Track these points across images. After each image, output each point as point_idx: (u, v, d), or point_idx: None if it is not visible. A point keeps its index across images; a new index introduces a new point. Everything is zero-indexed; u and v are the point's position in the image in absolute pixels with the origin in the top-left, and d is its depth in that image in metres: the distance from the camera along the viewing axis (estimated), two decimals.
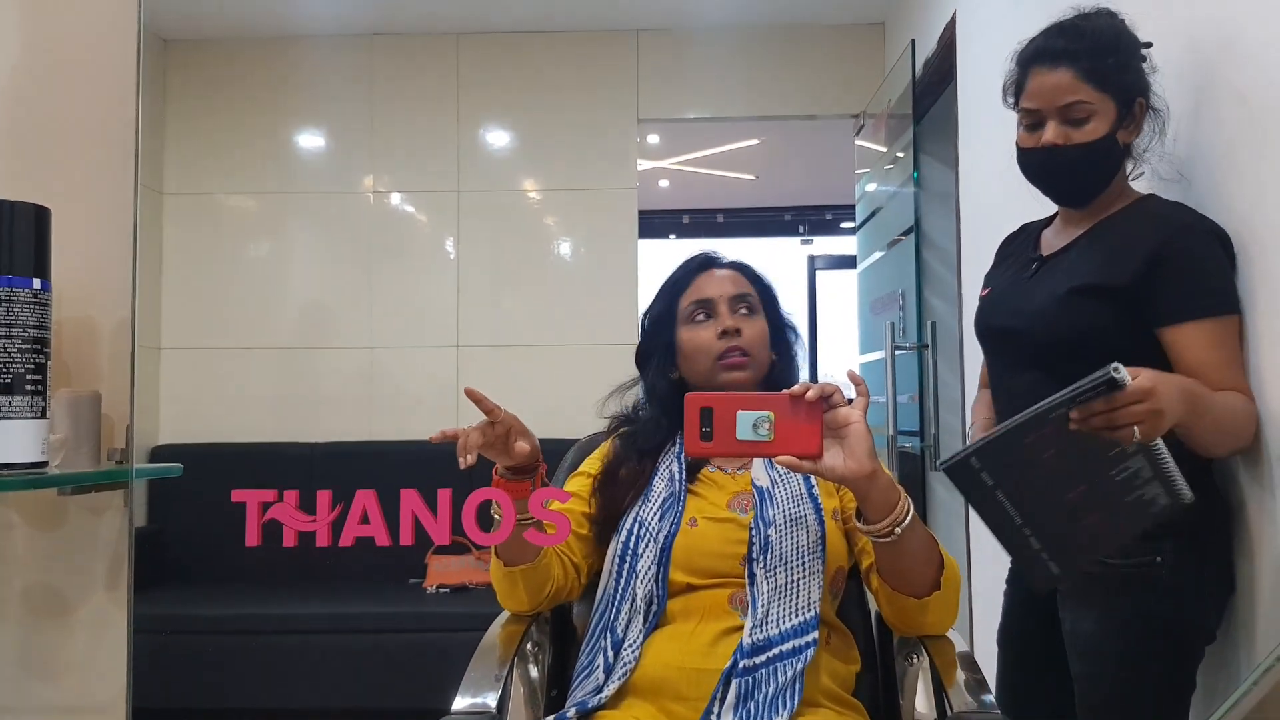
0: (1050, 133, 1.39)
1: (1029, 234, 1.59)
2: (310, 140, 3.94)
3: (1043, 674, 1.51)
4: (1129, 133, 1.40)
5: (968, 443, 1.49)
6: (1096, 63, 1.36)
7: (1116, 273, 1.35)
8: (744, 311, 1.45)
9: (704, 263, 1.50)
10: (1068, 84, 1.37)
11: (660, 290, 1.52)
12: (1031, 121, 1.41)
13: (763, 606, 1.27)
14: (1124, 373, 1.07)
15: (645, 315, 1.54)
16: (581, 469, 1.49)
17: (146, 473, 1.29)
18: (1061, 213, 1.52)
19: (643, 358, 1.53)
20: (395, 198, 3.91)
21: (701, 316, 1.44)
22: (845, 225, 6.83)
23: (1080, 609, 1.38)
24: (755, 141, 5.33)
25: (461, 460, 1.15)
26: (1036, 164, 1.43)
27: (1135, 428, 1.09)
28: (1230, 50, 1.40)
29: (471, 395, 1.21)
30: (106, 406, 1.14)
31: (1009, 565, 1.61)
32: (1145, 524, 1.17)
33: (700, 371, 1.43)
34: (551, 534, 1.15)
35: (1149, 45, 1.42)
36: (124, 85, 1.16)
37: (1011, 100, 1.47)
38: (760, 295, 1.48)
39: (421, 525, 0.84)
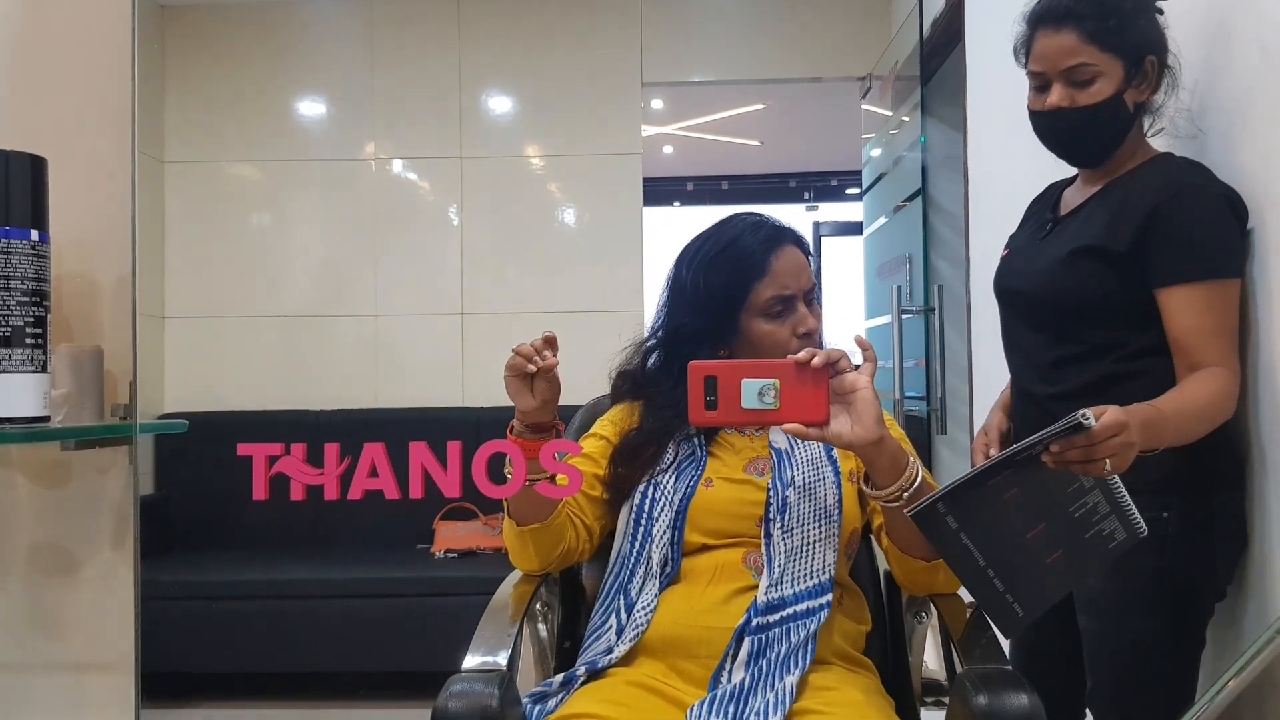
0: (1055, 95, 1.38)
1: (1053, 193, 1.58)
2: (311, 107, 3.91)
3: (1050, 633, 1.50)
4: (1140, 92, 1.38)
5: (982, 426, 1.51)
6: (1101, 23, 1.34)
7: (1116, 235, 1.35)
8: (814, 301, 1.40)
9: (775, 237, 1.38)
10: (1071, 46, 1.35)
11: (718, 262, 1.37)
12: (1039, 84, 1.41)
13: (778, 567, 1.27)
14: (1091, 418, 1.06)
15: (691, 280, 1.39)
16: (594, 430, 1.47)
17: (151, 428, 1.29)
18: (1082, 172, 1.50)
19: (686, 333, 1.40)
20: (397, 165, 3.89)
21: (779, 309, 1.36)
22: (850, 191, 6.79)
23: None
24: (760, 106, 5.28)
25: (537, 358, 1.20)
26: (1044, 127, 1.43)
27: (1107, 461, 1.08)
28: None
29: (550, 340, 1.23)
30: (108, 363, 1.13)
31: None
32: (1104, 561, 1.16)
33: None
34: (564, 485, 1.14)
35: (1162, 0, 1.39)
36: (120, 42, 1.14)
37: (1022, 61, 1.45)
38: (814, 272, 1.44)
39: (431, 479, 0.84)
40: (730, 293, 1.36)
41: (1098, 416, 1.06)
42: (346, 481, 0.83)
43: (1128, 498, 1.13)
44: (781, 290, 1.35)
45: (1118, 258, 1.34)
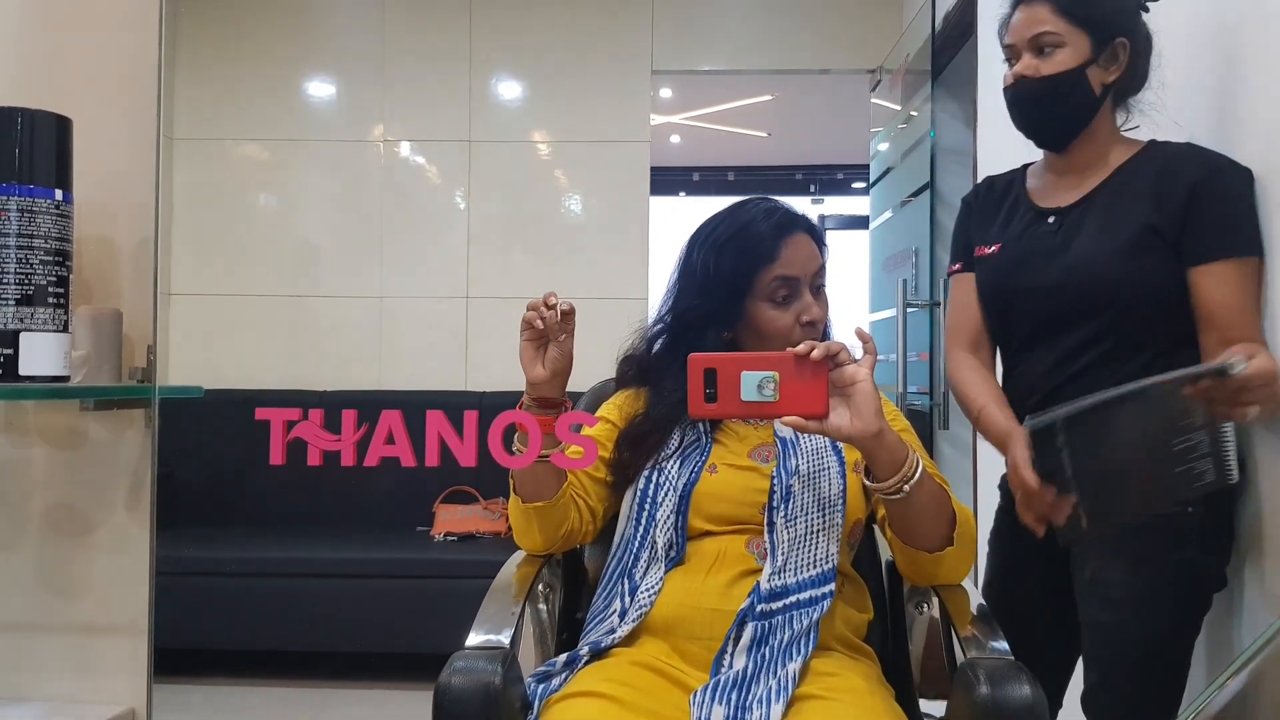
0: (1020, 64, 1.39)
1: (1007, 186, 1.55)
2: (321, 87, 3.91)
3: (1046, 628, 1.51)
4: (1106, 72, 1.39)
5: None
6: None
7: (1168, 215, 1.34)
8: (821, 288, 1.40)
9: (786, 224, 1.37)
10: (1040, 16, 1.38)
11: (729, 247, 1.37)
12: (1010, 57, 1.42)
13: (782, 555, 1.27)
14: (1241, 363, 1.08)
15: (701, 263, 1.39)
16: (600, 414, 1.46)
17: (170, 391, 1.29)
18: (1049, 161, 1.49)
19: (692, 315, 1.40)
20: (405, 147, 3.88)
21: (784, 294, 1.36)
22: (856, 185, 6.79)
23: (1107, 559, 1.38)
24: (769, 97, 5.27)
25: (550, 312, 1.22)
26: (1010, 100, 1.44)
27: (1253, 407, 1.12)
28: None
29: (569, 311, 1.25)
30: (127, 327, 1.13)
31: (990, 527, 1.61)
32: (1186, 496, 1.19)
33: (762, 347, 1.37)
34: (578, 457, 1.14)
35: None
36: (145, 10, 1.14)
37: (1001, 39, 1.47)
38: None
39: (447, 447, 0.84)
40: (737, 277, 1.36)
41: (1248, 359, 1.08)
42: (363, 450, 0.83)
43: (1232, 445, 1.15)
44: (787, 271, 1.35)
45: (1167, 236, 1.34)
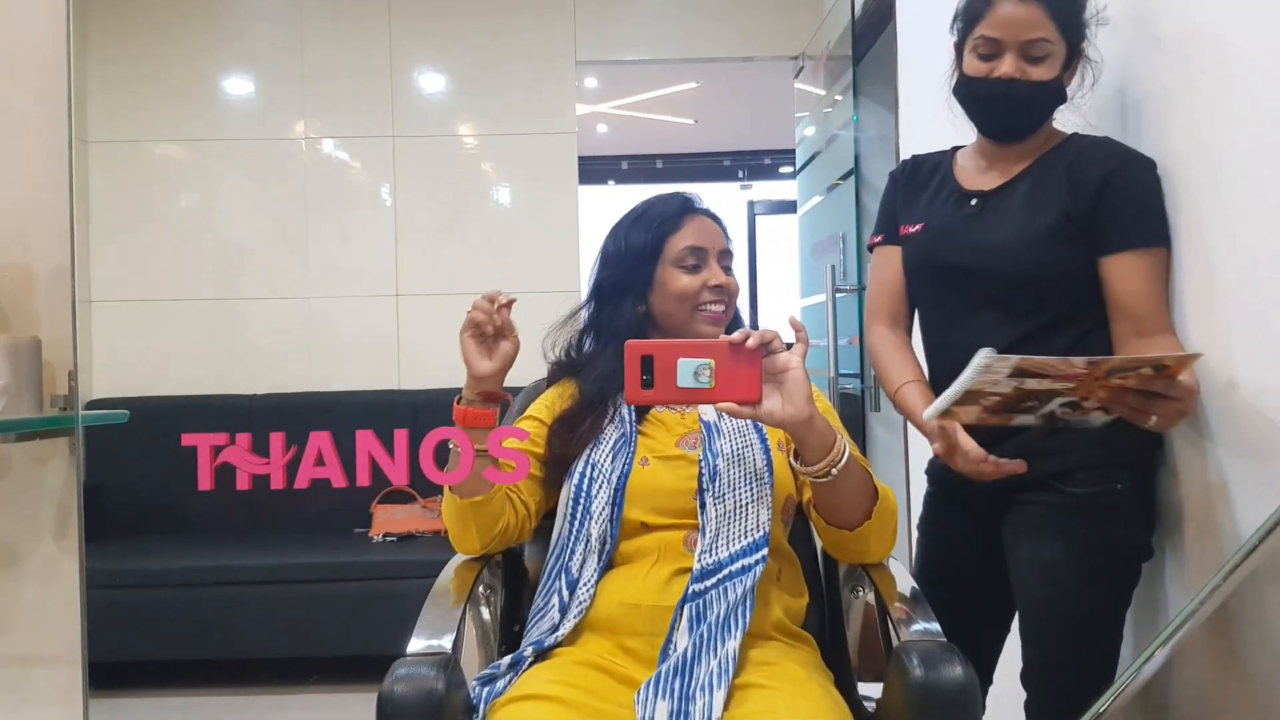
0: (1007, 65, 1.37)
1: (935, 167, 1.57)
2: (239, 85, 3.81)
3: (977, 610, 1.55)
4: (1068, 76, 1.42)
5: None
6: (1065, 5, 1.38)
7: (1080, 201, 1.37)
8: (728, 266, 1.48)
9: (689, 205, 1.48)
10: (1037, 19, 1.36)
11: (638, 222, 1.48)
12: (989, 51, 1.39)
13: (712, 530, 1.30)
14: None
15: (613, 242, 1.49)
16: (529, 413, 1.49)
17: (93, 419, 1.26)
18: (985, 149, 1.50)
19: (607, 287, 1.49)
20: (328, 144, 3.81)
21: (693, 263, 1.44)
22: (784, 170, 6.85)
23: (1041, 538, 1.42)
24: (694, 85, 5.29)
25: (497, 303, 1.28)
26: (984, 95, 1.41)
27: (1155, 417, 1.15)
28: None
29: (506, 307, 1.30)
30: (46, 352, 1.10)
31: (919, 513, 1.65)
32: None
33: (674, 314, 1.44)
34: (510, 471, 1.16)
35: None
36: (53, 26, 1.10)
37: (961, 26, 1.44)
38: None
39: (378, 466, 0.84)
40: (646, 246, 1.45)
41: (1176, 365, 1.11)
42: (293, 473, 0.82)
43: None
44: (695, 242, 1.44)
45: (1085, 226, 1.37)
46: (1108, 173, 1.36)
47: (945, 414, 1.20)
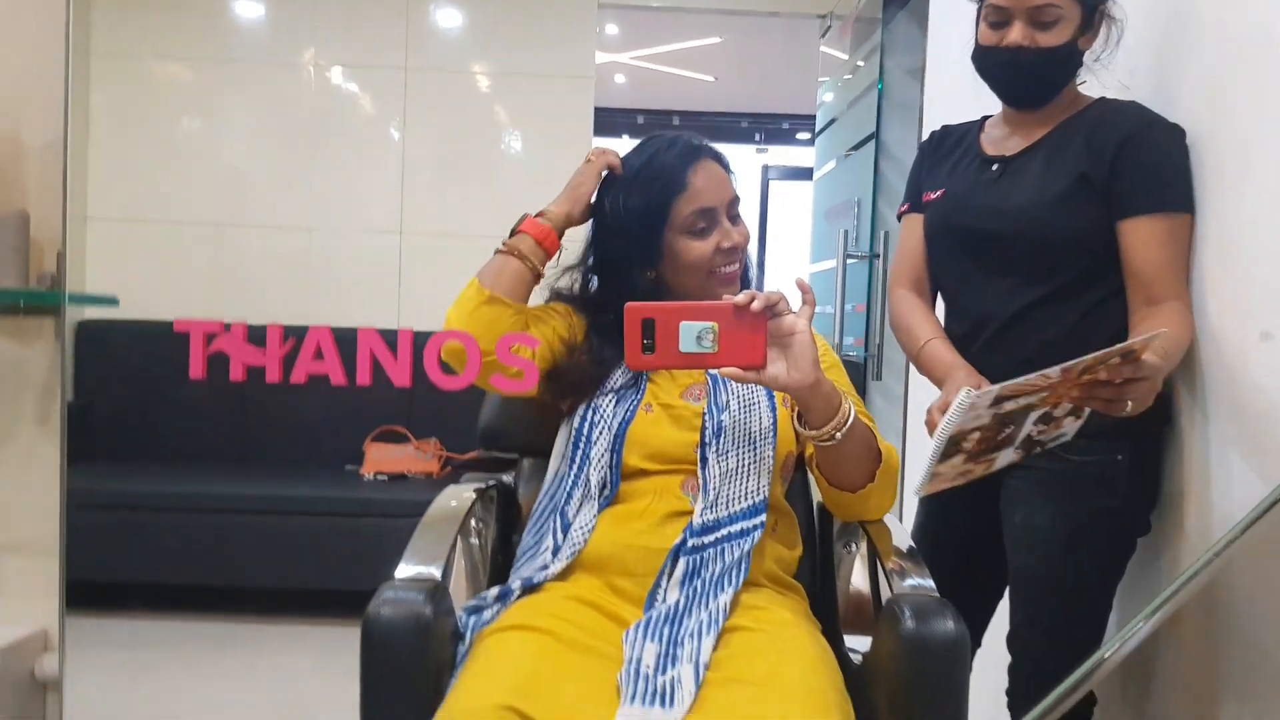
0: (1016, 33, 1.37)
1: (962, 136, 1.57)
2: (248, 6, 3.73)
3: (972, 573, 1.55)
4: (1087, 39, 1.39)
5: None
6: None
7: (1096, 165, 1.35)
8: (736, 215, 1.39)
9: (693, 152, 1.37)
10: None
11: (641, 178, 1.37)
12: (998, 19, 1.39)
13: (714, 489, 1.28)
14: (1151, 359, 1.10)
15: (613, 202, 1.39)
16: (551, 307, 1.43)
17: (81, 300, 1.22)
18: (1009, 116, 1.49)
19: (611, 259, 1.41)
20: (337, 72, 3.74)
21: (703, 226, 1.35)
22: (801, 136, 6.78)
23: (1035, 503, 1.41)
24: (717, 40, 5.21)
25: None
26: (996, 63, 1.41)
27: (1130, 402, 1.13)
28: None
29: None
30: (34, 231, 1.06)
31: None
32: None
33: (689, 283, 1.37)
34: (519, 379, 1.13)
35: None
36: None
37: None
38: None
39: (380, 368, 0.81)
40: (651, 212, 1.35)
41: (1141, 350, 1.09)
42: (289, 367, 0.79)
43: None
44: (702, 203, 1.35)
45: (1103, 189, 1.35)
46: (1127, 135, 1.33)
47: (934, 479, 1.19)
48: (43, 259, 1.06)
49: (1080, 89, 1.46)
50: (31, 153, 1.06)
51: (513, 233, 1.40)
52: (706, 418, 1.33)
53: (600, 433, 1.33)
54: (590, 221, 1.45)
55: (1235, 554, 1.07)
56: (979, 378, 1.37)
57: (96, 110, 3.60)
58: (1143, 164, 1.33)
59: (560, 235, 1.39)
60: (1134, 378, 1.12)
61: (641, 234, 1.36)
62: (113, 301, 1.34)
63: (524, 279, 1.36)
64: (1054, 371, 1.09)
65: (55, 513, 1.11)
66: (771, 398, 1.36)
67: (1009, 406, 1.13)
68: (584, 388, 1.37)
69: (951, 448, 1.14)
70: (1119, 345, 1.09)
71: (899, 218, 1.64)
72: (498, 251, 1.38)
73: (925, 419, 1.29)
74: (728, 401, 1.34)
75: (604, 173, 1.42)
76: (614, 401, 1.35)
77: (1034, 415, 1.18)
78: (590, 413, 1.35)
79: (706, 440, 1.31)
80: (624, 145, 1.49)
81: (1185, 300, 1.33)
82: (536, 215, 1.40)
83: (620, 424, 1.32)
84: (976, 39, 1.43)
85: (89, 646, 2.54)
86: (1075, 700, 1.07)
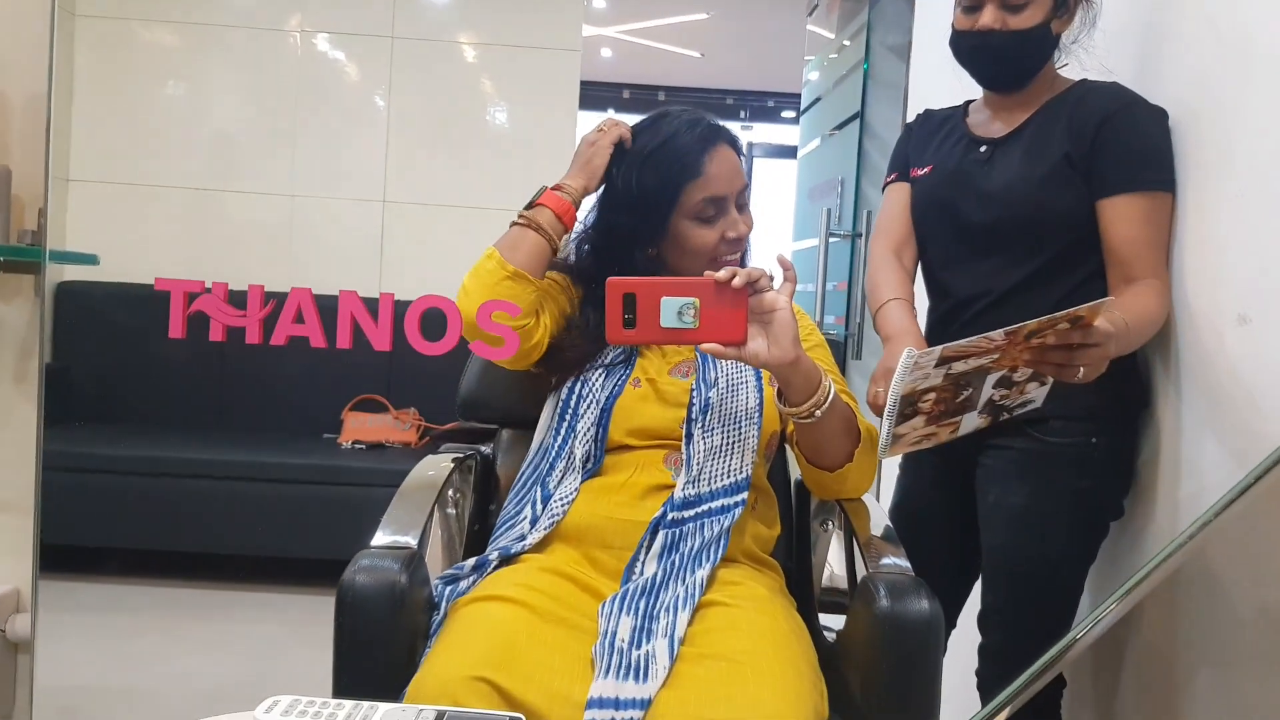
0: (987, 16, 1.38)
1: (946, 118, 1.57)
2: None
3: (947, 553, 1.56)
4: (1062, 22, 1.40)
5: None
6: None
7: (1078, 145, 1.36)
8: (745, 206, 1.39)
9: (710, 136, 1.35)
10: None
11: (656, 157, 1.34)
12: (971, 3, 1.40)
13: (697, 465, 1.28)
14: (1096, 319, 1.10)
15: (625, 177, 1.37)
16: (551, 278, 1.41)
17: (62, 257, 1.21)
18: (990, 100, 1.50)
19: (614, 226, 1.38)
20: (323, 39, 3.70)
21: (711, 213, 1.34)
22: (786, 114, 6.76)
23: (1009, 484, 1.42)
24: (704, 16, 5.18)
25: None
26: (969, 47, 1.42)
27: (1082, 368, 1.13)
28: None
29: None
30: (16, 187, 1.04)
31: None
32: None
33: (689, 267, 1.36)
34: (499, 347, 1.13)
35: None
36: None
37: None
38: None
39: (361, 330, 0.80)
40: (663, 193, 1.33)
41: (1091, 315, 1.09)
42: (269, 328, 0.79)
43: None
44: (713, 191, 1.34)
45: (1084, 169, 1.36)
46: (1107, 114, 1.35)
47: (897, 440, 1.19)
48: (24, 216, 1.04)
49: (1063, 72, 1.47)
50: (14, 109, 1.04)
51: (530, 205, 1.37)
52: (694, 394, 1.33)
53: (588, 406, 1.33)
54: (600, 189, 1.42)
55: (1209, 537, 1.08)
56: (925, 345, 1.37)
57: (80, 73, 3.54)
58: (1122, 143, 1.34)
59: (577, 209, 1.37)
60: (1084, 343, 1.13)
61: (649, 213, 1.34)
62: (93, 260, 1.32)
63: (542, 252, 1.33)
64: (998, 334, 1.10)
65: (31, 472, 1.11)
66: (759, 377, 1.36)
67: (960, 368, 1.14)
68: (578, 363, 1.37)
69: (907, 407, 1.15)
70: (1065, 311, 1.10)
71: (883, 189, 1.64)
72: (514, 223, 1.35)
73: (867, 393, 1.30)
74: (715, 379, 1.34)
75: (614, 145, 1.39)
76: (603, 375, 1.35)
77: (991, 379, 1.18)
78: (579, 385, 1.35)
79: (693, 416, 1.31)
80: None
81: (1164, 279, 1.34)
82: (554, 188, 1.37)
83: (608, 398, 1.33)
84: (952, 23, 1.44)
85: (62, 609, 2.53)
86: (1045, 682, 1.08)
